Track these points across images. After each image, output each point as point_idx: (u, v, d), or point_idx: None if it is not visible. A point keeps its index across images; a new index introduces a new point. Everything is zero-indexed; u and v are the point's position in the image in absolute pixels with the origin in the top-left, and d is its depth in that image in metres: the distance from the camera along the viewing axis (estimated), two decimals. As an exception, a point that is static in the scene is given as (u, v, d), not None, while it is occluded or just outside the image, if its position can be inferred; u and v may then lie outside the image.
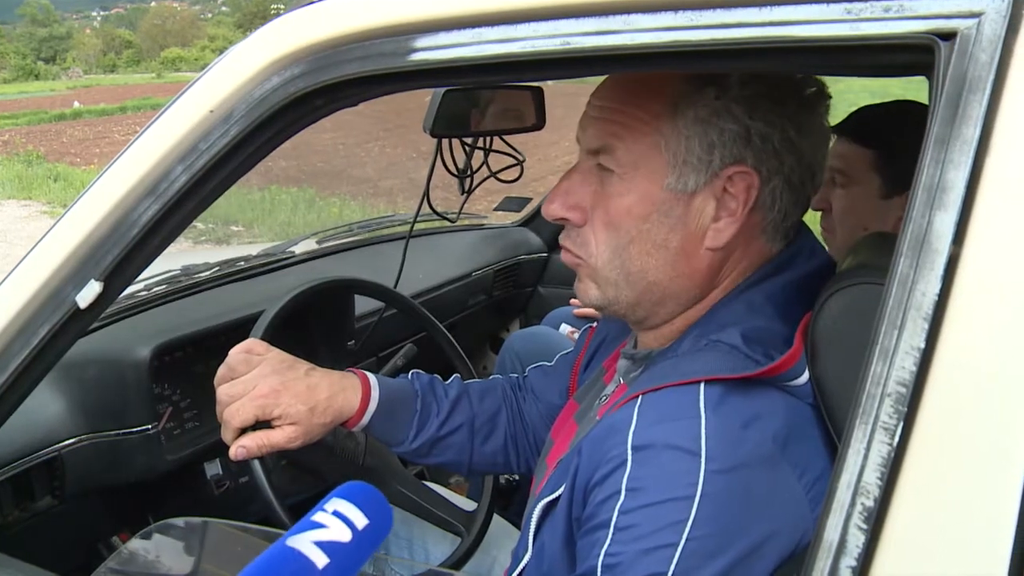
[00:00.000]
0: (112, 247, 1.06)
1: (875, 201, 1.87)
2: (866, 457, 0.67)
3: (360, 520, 0.68)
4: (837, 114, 1.98)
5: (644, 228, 1.07)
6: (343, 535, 0.67)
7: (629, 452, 0.94)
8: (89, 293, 1.06)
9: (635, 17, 0.79)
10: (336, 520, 0.68)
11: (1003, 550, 0.63)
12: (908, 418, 0.66)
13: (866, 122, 1.94)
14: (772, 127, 1.04)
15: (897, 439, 0.66)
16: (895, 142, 1.83)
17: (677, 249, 1.08)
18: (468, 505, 1.75)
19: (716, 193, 1.05)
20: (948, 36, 0.68)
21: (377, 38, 0.92)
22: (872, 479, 0.67)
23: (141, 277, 1.76)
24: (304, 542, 0.65)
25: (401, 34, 0.90)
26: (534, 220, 3.34)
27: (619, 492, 0.92)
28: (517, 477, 2.34)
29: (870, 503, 0.67)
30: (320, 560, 0.64)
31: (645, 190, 1.05)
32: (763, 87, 1.03)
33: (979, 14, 0.67)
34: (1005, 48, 0.66)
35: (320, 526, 0.67)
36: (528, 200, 3.16)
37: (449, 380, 1.53)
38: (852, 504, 0.68)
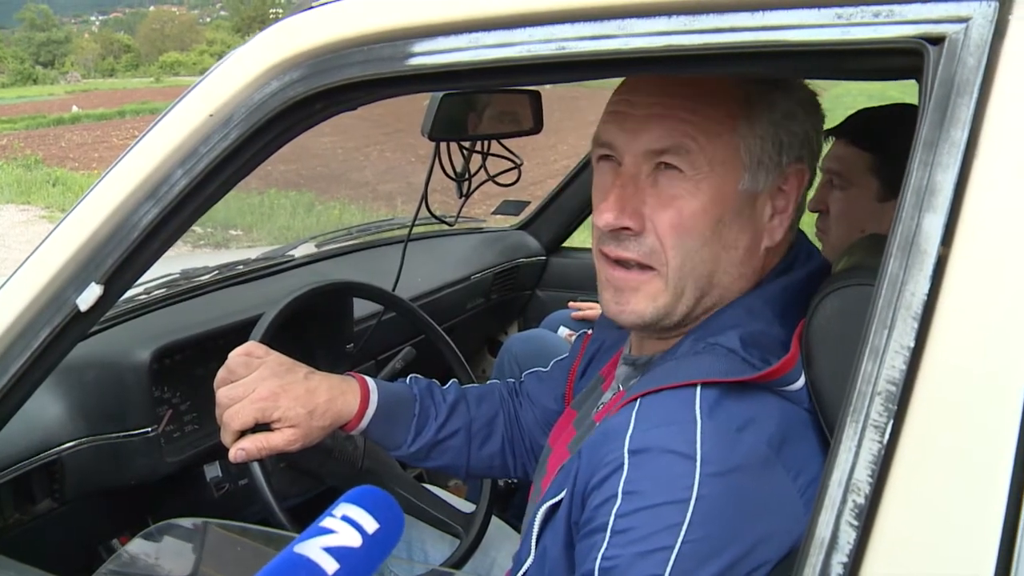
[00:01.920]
0: (112, 250, 1.07)
1: (872, 204, 1.88)
2: (857, 455, 0.68)
3: (370, 524, 0.68)
4: (835, 117, 2.00)
5: (717, 230, 1.06)
6: (353, 540, 0.66)
7: (626, 456, 0.95)
8: (90, 296, 1.07)
9: (630, 22, 0.80)
10: (345, 525, 0.67)
11: (990, 545, 0.64)
12: (898, 416, 0.67)
13: (864, 125, 1.95)
14: (815, 129, 1.10)
15: (887, 437, 0.68)
16: (892, 145, 1.84)
17: (745, 249, 1.08)
18: (467, 507, 1.76)
19: (772, 191, 1.08)
20: (937, 40, 0.70)
21: (376, 43, 0.93)
22: (863, 476, 0.68)
23: (140, 281, 1.76)
24: (313, 548, 0.64)
25: (399, 39, 0.92)
26: (533, 223, 3.34)
27: (616, 496, 0.93)
28: (515, 479, 2.35)
29: (861, 500, 0.68)
30: (330, 566, 0.63)
31: (718, 190, 1.04)
32: (808, 93, 1.09)
33: (967, 19, 0.68)
34: (992, 52, 0.67)
35: (329, 531, 0.66)
36: (526, 203, 3.16)
37: (447, 385, 1.53)
38: (843, 501, 0.69)
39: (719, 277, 1.08)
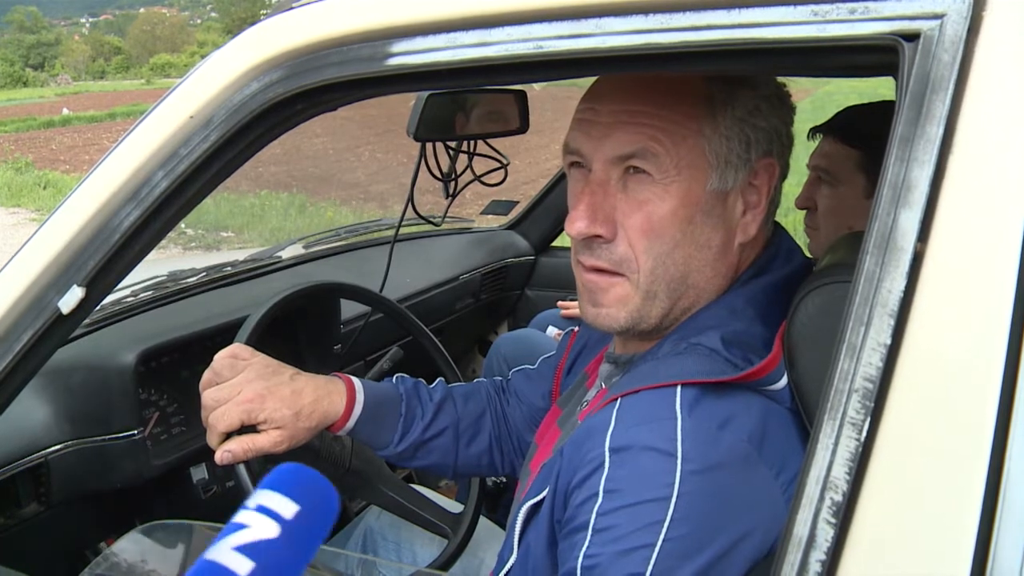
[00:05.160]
0: (94, 253, 1.06)
1: (860, 200, 1.89)
2: (834, 452, 0.68)
3: (288, 508, 0.59)
4: (825, 114, 2.01)
5: (688, 231, 1.06)
6: (269, 531, 0.57)
7: (607, 454, 0.95)
8: (72, 299, 1.07)
9: (607, 20, 0.80)
10: (259, 516, 0.58)
11: (967, 541, 0.64)
12: (875, 413, 0.67)
13: (852, 122, 1.96)
14: (783, 123, 1.10)
15: (864, 434, 0.68)
16: (880, 142, 1.84)
17: (718, 247, 1.09)
18: (455, 508, 1.76)
19: (742, 187, 1.08)
20: (912, 37, 0.70)
21: (354, 43, 0.93)
22: (840, 474, 0.68)
23: (128, 283, 1.76)
24: (223, 551, 0.56)
25: (378, 39, 0.91)
26: (521, 223, 3.34)
27: (597, 494, 0.93)
28: (504, 479, 2.35)
29: (838, 498, 0.68)
30: (243, 566, 0.55)
31: (687, 192, 1.05)
32: (775, 87, 1.09)
33: (941, 15, 0.68)
34: (967, 49, 0.67)
35: (241, 527, 0.57)
36: (515, 203, 3.17)
37: (433, 384, 1.53)
38: (821, 499, 0.69)
39: (693, 278, 1.09)
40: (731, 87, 1.05)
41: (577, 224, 1.06)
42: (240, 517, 0.58)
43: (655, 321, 1.10)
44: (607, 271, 1.09)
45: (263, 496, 0.59)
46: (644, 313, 1.09)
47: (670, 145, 1.03)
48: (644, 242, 1.06)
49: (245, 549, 0.55)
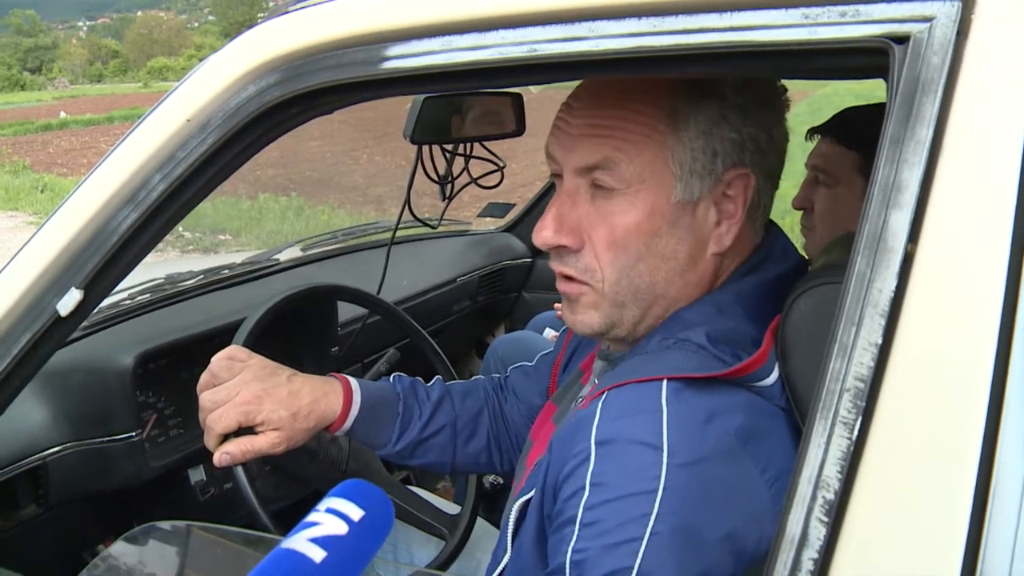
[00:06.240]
0: (92, 255, 1.06)
1: (857, 202, 1.88)
2: (826, 451, 0.69)
3: (355, 512, 0.69)
4: (823, 116, 2.01)
5: (653, 243, 1.06)
6: (338, 528, 0.67)
7: (593, 447, 0.95)
8: (70, 301, 1.07)
9: (600, 24, 0.81)
10: (330, 516, 0.68)
11: (957, 539, 0.65)
12: (867, 413, 0.68)
13: (850, 124, 1.96)
14: (761, 129, 1.08)
15: (856, 433, 0.68)
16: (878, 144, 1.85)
17: (686, 258, 1.08)
18: (452, 509, 1.76)
19: (716, 198, 1.07)
20: (902, 40, 0.70)
21: (350, 47, 0.93)
22: (832, 473, 0.69)
23: (125, 286, 1.76)
24: (299, 541, 0.65)
25: (373, 43, 0.92)
26: (518, 225, 3.35)
27: (584, 488, 0.94)
28: (501, 480, 2.35)
29: (831, 496, 0.69)
30: (317, 554, 0.64)
31: (652, 204, 1.05)
32: (753, 93, 1.07)
33: (931, 18, 0.69)
34: (956, 51, 0.68)
35: (314, 524, 0.67)
36: (512, 206, 3.17)
37: (431, 382, 1.54)
38: (813, 498, 0.69)
39: (661, 287, 1.09)
40: (695, 99, 1.05)
41: (543, 233, 1.09)
42: (313, 516, 0.68)
43: (629, 326, 1.12)
44: (575, 279, 1.11)
45: (333, 501, 0.70)
46: (616, 319, 1.11)
47: (634, 155, 1.04)
48: (609, 255, 1.07)
49: (319, 541, 0.66)
